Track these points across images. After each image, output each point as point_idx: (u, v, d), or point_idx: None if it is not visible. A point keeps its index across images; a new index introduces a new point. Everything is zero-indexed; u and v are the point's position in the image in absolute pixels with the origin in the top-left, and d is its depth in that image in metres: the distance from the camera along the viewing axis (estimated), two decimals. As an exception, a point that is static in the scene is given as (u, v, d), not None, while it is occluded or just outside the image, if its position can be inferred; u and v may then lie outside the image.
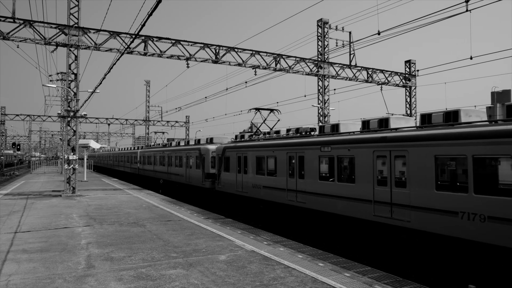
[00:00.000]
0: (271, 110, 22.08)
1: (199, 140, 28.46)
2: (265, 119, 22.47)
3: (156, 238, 10.89)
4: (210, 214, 16.29)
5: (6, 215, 14.95)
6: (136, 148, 46.49)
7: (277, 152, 17.12)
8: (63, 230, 12.08)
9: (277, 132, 19.48)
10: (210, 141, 26.11)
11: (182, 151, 28.57)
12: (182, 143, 31.81)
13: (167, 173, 31.81)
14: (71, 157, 21.80)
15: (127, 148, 53.67)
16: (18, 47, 20.87)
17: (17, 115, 53.99)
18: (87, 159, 41.74)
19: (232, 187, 20.90)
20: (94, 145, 41.36)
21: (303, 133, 17.19)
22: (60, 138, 58.61)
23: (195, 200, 25.81)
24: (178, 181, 29.24)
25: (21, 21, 19.79)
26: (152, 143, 44.83)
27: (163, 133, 44.11)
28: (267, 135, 19.91)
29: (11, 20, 19.53)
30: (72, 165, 21.87)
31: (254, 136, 21.24)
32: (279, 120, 22.44)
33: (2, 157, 65.54)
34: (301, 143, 15.77)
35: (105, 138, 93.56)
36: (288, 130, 18.62)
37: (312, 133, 16.88)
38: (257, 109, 22.19)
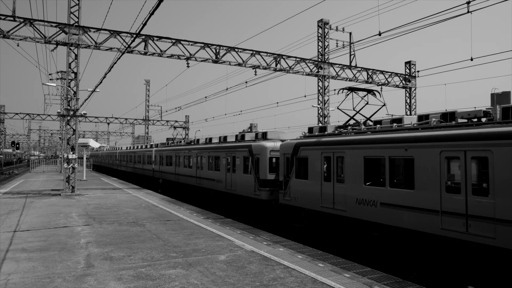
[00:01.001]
0: (369, 91, 15.90)
1: (242, 136, 22.12)
2: (365, 104, 15.56)
3: (155, 238, 10.87)
4: (209, 214, 16.28)
5: (5, 213, 14.93)
6: (150, 146, 40.46)
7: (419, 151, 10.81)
8: (62, 229, 12.06)
9: (396, 120, 13.07)
10: (263, 136, 19.85)
11: (220, 150, 22.48)
12: (215, 140, 26.04)
13: (196, 177, 25.99)
14: (70, 156, 21.77)
15: (137, 146, 47.70)
16: (18, 45, 20.83)
17: (17, 113, 53.94)
18: (88, 159, 41.30)
19: (313, 201, 14.76)
20: (94, 144, 41.38)
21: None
22: (59, 137, 58.55)
23: (242, 215, 19.83)
24: (213, 188, 23.22)
25: (22, 20, 19.76)
26: (171, 141, 37.71)
27: (184, 128, 38.32)
28: (378, 126, 13.31)
29: (11, 18, 19.50)
30: (72, 164, 21.85)
31: (349, 128, 14.87)
32: (384, 105, 15.38)
33: (1, 156, 65.49)
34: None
35: (104, 137, 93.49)
36: (394, 121, 13.04)
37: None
38: (351, 89, 15.79)
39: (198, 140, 28.43)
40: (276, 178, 17.64)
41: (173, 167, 30.50)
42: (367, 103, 15.51)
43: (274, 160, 17.79)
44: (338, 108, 16.19)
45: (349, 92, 15.72)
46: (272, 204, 17.57)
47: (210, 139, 26.23)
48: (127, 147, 54.56)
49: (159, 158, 34.42)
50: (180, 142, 33.35)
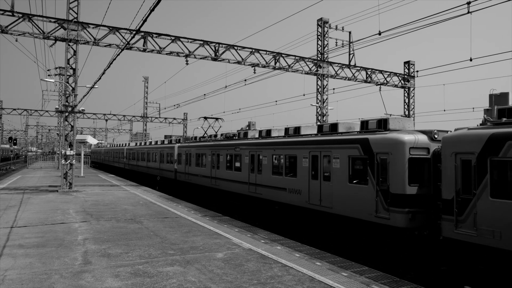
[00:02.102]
0: None
1: (332, 125, 15.57)
2: None
3: (153, 235, 10.86)
4: (207, 212, 16.27)
5: (3, 209, 14.88)
6: (169, 142, 33.59)
7: None
8: (59, 225, 12.03)
9: None
10: (365, 126, 13.83)
11: (298, 147, 15.81)
12: (275, 133, 19.42)
13: (248, 183, 19.10)
14: (68, 153, 21.71)
15: (149, 142, 40.53)
16: (16, 40, 20.78)
17: (14, 109, 53.65)
18: (88, 155, 40.25)
19: None
20: (92, 140, 41.27)
21: None
22: (57, 133, 58.31)
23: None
24: (283, 201, 16.54)
25: (20, 15, 19.66)
26: (202, 135, 29.27)
27: (217, 119, 28.95)
28: None
29: (10, 13, 19.40)
30: (69, 161, 21.79)
31: None
32: None
33: (-2, 152, 65.27)
34: None
35: (102, 133, 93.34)
36: None
37: None
38: None
39: (246, 133, 21.52)
40: (419, 193, 11.37)
41: (207, 169, 23.78)
42: None
43: (415, 163, 11.55)
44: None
45: None
46: (414, 235, 11.29)
47: (268, 131, 19.77)
48: (136, 143, 47.07)
49: (185, 157, 27.33)
50: (211, 136, 26.68)
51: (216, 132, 28.29)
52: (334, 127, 15.39)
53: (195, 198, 22.00)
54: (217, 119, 28.94)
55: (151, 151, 36.28)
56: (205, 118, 29.42)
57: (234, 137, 23.06)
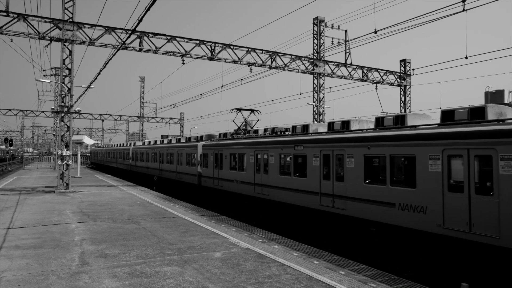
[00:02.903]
0: None
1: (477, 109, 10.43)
2: None
3: (150, 235, 10.84)
4: (204, 212, 16.26)
5: (-1, 211, 14.81)
6: (187, 139, 28.89)
7: None
8: (56, 226, 11.99)
9: None
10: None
11: (423, 143, 10.68)
12: (355, 126, 14.62)
13: (333, 195, 13.62)
14: (64, 153, 21.64)
15: (161, 141, 35.41)
16: (11, 41, 20.66)
17: (10, 110, 53.43)
18: (85, 156, 39.37)
19: None
20: (88, 141, 41.09)
21: None
22: (53, 134, 58.03)
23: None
24: (390, 222, 11.44)
25: (15, 15, 19.56)
26: (236, 129, 23.65)
27: (253, 111, 23.02)
28: None
29: (5, 14, 19.30)
30: (66, 161, 21.71)
31: None
32: None
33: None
34: None
35: (98, 134, 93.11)
36: None
37: None
38: None
39: (306, 126, 16.71)
40: None
41: (248, 174, 18.71)
42: None
43: None
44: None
45: None
46: None
47: (345, 123, 14.62)
48: (144, 142, 42.17)
49: (214, 158, 22.46)
50: (247, 132, 22.78)
51: (251, 127, 22.63)
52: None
53: (229, 209, 19.42)
54: (253, 110, 22.57)
55: (164, 151, 31.42)
56: (239, 110, 23.06)
57: (287, 132, 18.47)
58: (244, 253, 9.08)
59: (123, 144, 52.37)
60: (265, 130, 20.76)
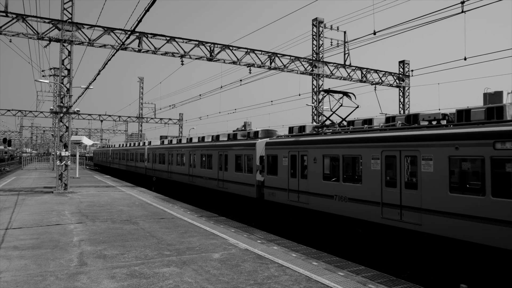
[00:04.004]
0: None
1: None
2: None
3: (149, 236, 10.83)
4: (203, 212, 16.25)
5: (-3, 211, 14.78)
6: (233, 137, 22.01)
7: None
8: (55, 227, 11.97)
9: None
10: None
11: None
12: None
13: None
14: (63, 154, 21.61)
15: (189, 139, 28.96)
16: (10, 41, 20.64)
17: (8, 110, 53.41)
18: (82, 156, 37.88)
19: None
20: (87, 141, 41.08)
21: None
22: (52, 134, 57.87)
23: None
24: None
25: (14, 15, 19.55)
26: (324, 120, 16.74)
27: (346, 94, 16.18)
28: None
29: (4, 14, 19.29)
30: (64, 162, 21.69)
31: None
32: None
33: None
34: None
35: (97, 134, 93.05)
36: None
37: None
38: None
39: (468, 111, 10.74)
40: None
41: (369, 187, 12.15)
42: None
43: None
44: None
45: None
46: None
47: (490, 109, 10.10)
48: (162, 141, 35.61)
49: (290, 162, 16.03)
50: (350, 123, 15.07)
51: (343, 118, 15.92)
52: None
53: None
54: (345, 93, 16.09)
55: (198, 152, 24.85)
56: (328, 91, 16.75)
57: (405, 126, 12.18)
58: (243, 254, 9.07)
59: (135, 143, 45.58)
60: (390, 119, 13.23)
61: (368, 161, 12.12)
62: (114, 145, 57.77)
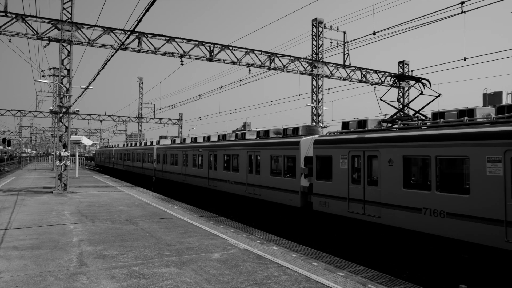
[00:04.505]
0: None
1: None
2: None
3: (148, 236, 10.82)
4: (203, 212, 16.24)
5: (-4, 211, 14.77)
6: (293, 133, 17.43)
7: None
8: (54, 227, 11.96)
9: None
10: None
11: None
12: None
13: None
14: (62, 154, 21.60)
15: (209, 137, 25.93)
16: (10, 41, 20.63)
17: (8, 110, 53.32)
18: (81, 156, 37.05)
19: None
20: (86, 141, 41.09)
21: None
22: (51, 134, 57.80)
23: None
24: None
25: (13, 15, 19.54)
26: (395, 112, 13.45)
27: (420, 80, 13.36)
28: None
29: (3, 14, 19.29)
30: (64, 162, 21.68)
31: None
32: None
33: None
34: None
35: (97, 134, 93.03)
36: None
37: None
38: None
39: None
40: None
41: (478, 198, 9.39)
42: None
43: None
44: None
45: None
46: None
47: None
48: (173, 140, 32.55)
49: (350, 165, 13.13)
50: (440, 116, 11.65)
51: (416, 111, 13.25)
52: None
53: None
54: (419, 80, 13.43)
55: (220, 152, 21.90)
56: (400, 77, 15.67)
57: None
58: (242, 254, 9.07)
59: (141, 143, 42.70)
60: (506, 108, 10.00)
61: (481, 165, 9.33)
62: (118, 145, 55.83)
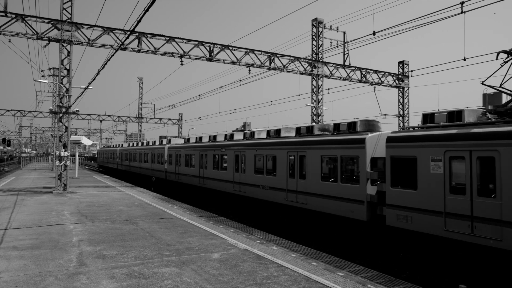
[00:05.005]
0: None
1: None
2: None
3: (148, 236, 10.82)
4: (202, 212, 16.24)
5: (-4, 211, 14.77)
6: (365, 127, 14.12)
7: None
8: (54, 227, 11.96)
9: None
10: None
11: None
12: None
13: None
14: (62, 154, 21.59)
15: (232, 135, 23.18)
16: (10, 41, 20.63)
17: (8, 110, 53.26)
18: (80, 157, 36.38)
19: None
20: (86, 141, 41.09)
21: None
22: (51, 134, 57.73)
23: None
24: None
25: (13, 15, 19.54)
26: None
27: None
28: None
29: (3, 14, 19.28)
30: (64, 162, 21.67)
31: None
32: None
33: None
34: None
35: (97, 134, 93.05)
36: None
37: None
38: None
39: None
40: None
41: None
42: None
43: None
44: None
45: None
46: None
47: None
48: (187, 139, 30.65)
49: (449, 168, 10.20)
50: None
51: None
52: None
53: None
54: None
55: (250, 153, 19.24)
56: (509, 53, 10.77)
57: None
58: (242, 254, 9.07)
59: (148, 142, 38.92)
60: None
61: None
62: (122, 145, 53.74)
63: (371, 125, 14.06)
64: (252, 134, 20.89)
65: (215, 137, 25.15)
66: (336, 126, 15.35)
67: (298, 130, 17.54)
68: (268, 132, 19.72)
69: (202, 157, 24.52)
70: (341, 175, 13.70)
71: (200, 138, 27.28)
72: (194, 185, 25.62)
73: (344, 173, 13.67)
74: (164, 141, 33.83)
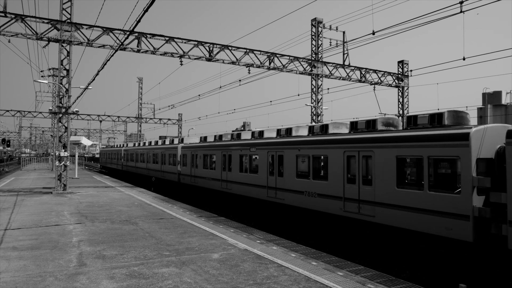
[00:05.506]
0: None
1: None
2: None
3: (148, 236, 10.82)
4: (202, 213, 16.25)
5: (-4, 212, 14.77)
6: (454, 121, 11.09)
7: None
8: (54, 227, 11.96)
9: None
10: None
11: None
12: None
13: None
14: (62, 154, 21.59)
15: (261, 132, 20.12)
16: (9, 41, 20.62)
17: (7, 110, 53.25)
18: (80, 157, 36.10)
19: None
20: (86, 142, 41.11)
21: None
22: (51, 135, 57.72)
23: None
24: None
25: (13, 16, 19.53)
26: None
27: None
28: None
29: (2, 14, 19.27)
30: (63, 162, 21.67)
31: None
32: None
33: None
34: None
35: (96, 135, 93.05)
36: None
37: None
38: None
39: None
40: None
41: None
42: None
43: None
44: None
45: None
46: None
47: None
48: (203, 138, 27.37)
49: None
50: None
51: None
52: None
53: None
54: None
55: (291, 152, 16.26)
56: None
57: None
58: (242, 254, 9.07)
59: (157, 141, 35.81)
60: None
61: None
62: (127, 144, 51.03)
63: (459, 117, 11.23)
64: (287, 131, 18.08)
65: (239, 135, 22.47)
66: (411, 118, 12.11)
67: (353, 125, 14.38)
68: (311, 128, 16.67)
69: (225, 158, 21.78)
70: (429, 181, 10.47)
71: (220, 136, 24.50)
72: (214, 189, 22.79)
73: (434, 179, 10.47)
74: (176, 140, 31.27)
